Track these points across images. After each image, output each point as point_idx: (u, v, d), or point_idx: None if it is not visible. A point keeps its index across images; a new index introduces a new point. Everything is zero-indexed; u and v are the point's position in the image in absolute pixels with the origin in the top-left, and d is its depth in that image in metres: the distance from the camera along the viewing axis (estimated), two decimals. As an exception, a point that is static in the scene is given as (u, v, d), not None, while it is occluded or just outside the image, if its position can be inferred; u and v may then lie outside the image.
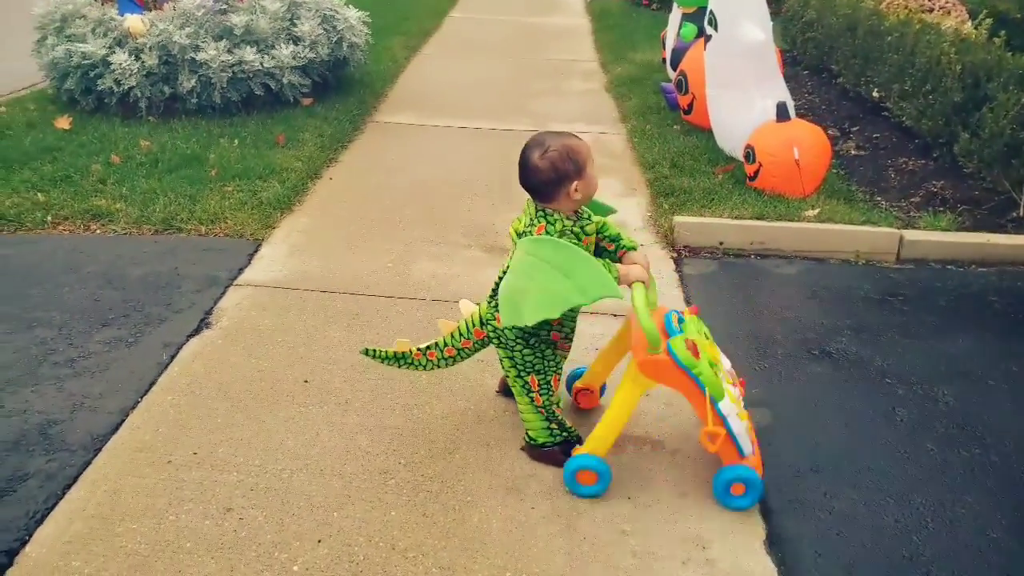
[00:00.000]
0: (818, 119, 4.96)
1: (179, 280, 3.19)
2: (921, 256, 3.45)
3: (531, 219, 2.03)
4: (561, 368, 2.20)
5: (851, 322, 2.98)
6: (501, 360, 2.19)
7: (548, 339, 2.13)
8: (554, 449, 2.20)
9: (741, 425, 2.00)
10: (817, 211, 3.65)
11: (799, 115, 4.54)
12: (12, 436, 2.30)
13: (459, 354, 2.26)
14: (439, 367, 2.30)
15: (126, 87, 4.80)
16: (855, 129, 4.84)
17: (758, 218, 3.60)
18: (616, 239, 2.15)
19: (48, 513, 2.03)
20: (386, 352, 2.27)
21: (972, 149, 3.77)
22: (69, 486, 2.12)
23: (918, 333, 2.91)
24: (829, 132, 4.80)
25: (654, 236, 3.69)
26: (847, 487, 2.17)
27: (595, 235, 2.10)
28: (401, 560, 1.91)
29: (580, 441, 2.21)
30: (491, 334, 2.18)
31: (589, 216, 2.10)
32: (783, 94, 4.10)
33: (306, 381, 2.58)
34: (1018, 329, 2.97)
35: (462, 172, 4.46)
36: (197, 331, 2.85)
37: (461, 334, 2.23)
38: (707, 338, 2.10)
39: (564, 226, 2.00)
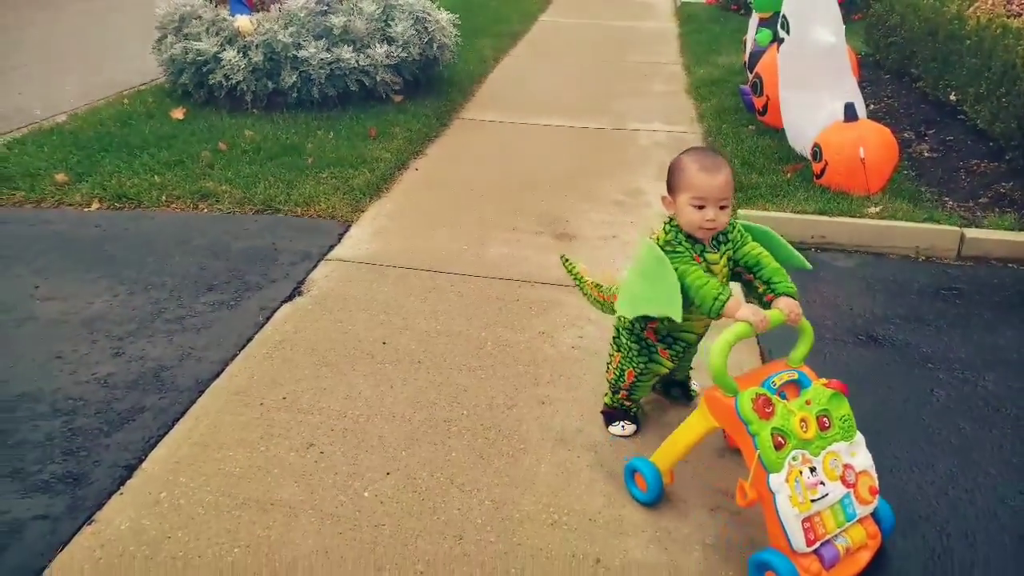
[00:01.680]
0: (895, 122, 4.99)
1: (276, 254, 3.55)
2: (983, 254, 3.49)
3: (663, 224, 2.06)
4: (649, 370, 2.25)
5: (902, 312, 3.07)
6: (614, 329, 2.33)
7: (641, 334, 2.20)
8: (611, 410, 2.41)
9: (794, 513, 1.74)
10: (880, 208, 3.72)
11: (877, 118, 4.59)
12: (131, 377, 2.67)
13: (603, 306, 2.43)
14: (595, 305, 2.49)
15: (234, 81, 5.25)
16: (930, 132, 4.83)
17: (820, 213, 3.70)
18: (769, 282, 1.98)
19: (160, 439, 2.37)
20: (574, 267, 2.55)
21: (1044, 151, 3.77)
22: (177, 419, 2.46)
23: (968, 324, 2.98)
24: (905, 135, 4.82)
25: (717, 229, 3.84)
26: (873, 454, 2.30)
27: (727, 267, 2.04)
28: (458, 493, 2.16)
29: (635, 420, 2.39)
30: (611, 308, 2.34)
31: (728, 244, 2.04)
32: (853, 95, 4.17)
33: (384, 343, 2.87)
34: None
35: (540, 166, 4.71)
36: (290, 298, 3.18)
37: (610, 291, 2.37)
38: (827, 413, 1.84)
39: (677, 240, 1.99)
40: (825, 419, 1.83)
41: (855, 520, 1.83)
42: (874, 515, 1.89)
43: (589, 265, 2.63)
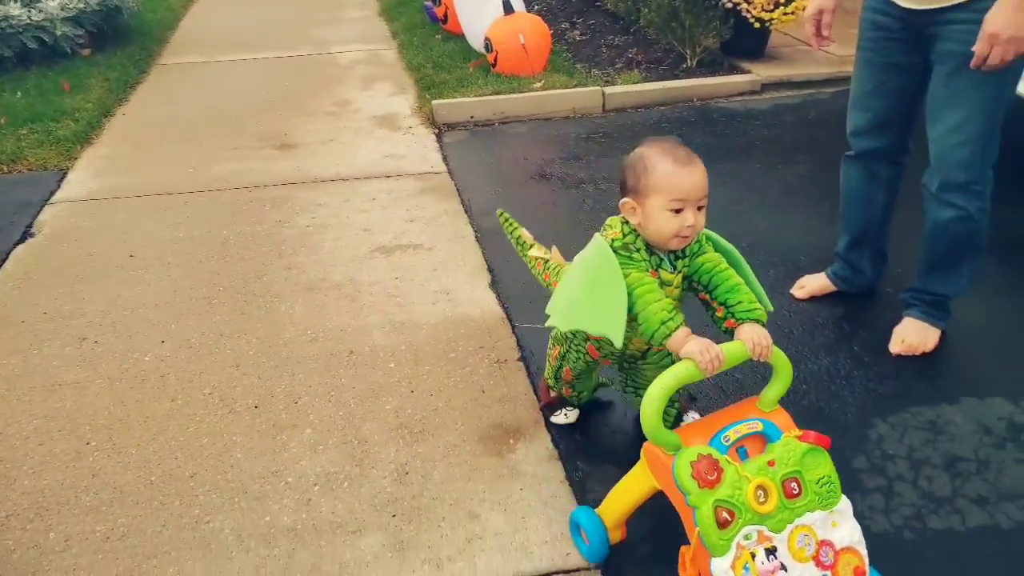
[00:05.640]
0: (552, 16, 5.90)
1: (-8, 209, 3.56)
2: (620, 105, 4.45)
3: (617, 219, 1.67)
4: (589, 370, 1.97)
5: (563, 155, 3.91)
6: None
7: (582, 346, 1.87)
8: (552, 395, 2.11)
9: None
10: (543, 83, 4.54)
11: (540, 14, 5.42)
12: None
13: (548, 284, 2.06)
14: (534, 275, 2.16)
15: None
16: (579, 20, 5.81)
17: (497, 94, 4.44)
18: (728, 304, 1.57)
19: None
20: (514, 226, 2.20)
21: (650, 20, 4.80)
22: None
23: (610, 155, 3.88)
24: (561, 25, 5.74)
25: (420, 120, 4.45)
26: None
27: (681, 287, 1.67)
28: (229, 340, 2.58)
29: (577, 406, 2.12)
30: None
31: (685, 258, 1.65)
32: (510, -7, 4.93)
33: (131, 256, 3.13)
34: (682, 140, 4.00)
35: (250, 95, 4.99)
36: (22, 240, 3.29)
37: (556, 274, 2.02)
38: (799, 475, 1.44)
39: (636, 246, 1.61)
40: (794, 483, 1.43)
41: None
42: None
43: (311, 163, 3.03)
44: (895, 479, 1.93)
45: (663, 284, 1.61)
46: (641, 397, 1.60)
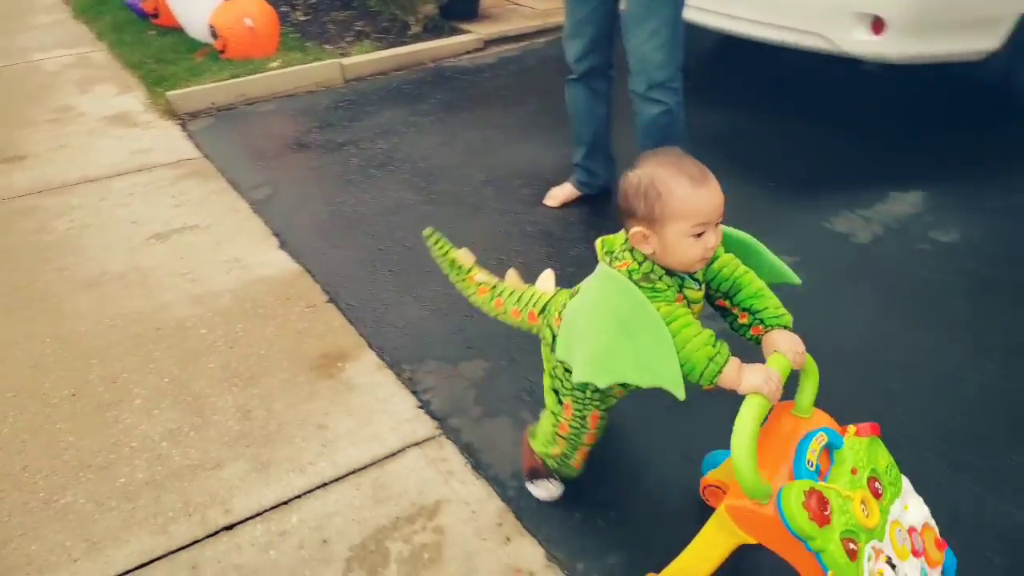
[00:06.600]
0: (269, 1, 5.93)
1: None
2: (358, 75, 4.69)
3: (621, 247, 1.44)
4: (608, 406, 1.62)
5: (317, 124, 4.08)
6: (545, 363, 1.64)
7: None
8: (540, 464, 1.79)
9: None
10: (279, 63, 4.63)
11: None
12: None
13: (502, 314, 1.74)
14: (476, 304, 1.79)
15: None
16: (300, 1, 5.92)
17: (234, 78, 4.46)
18: (753, 310, 1.44)
19: None
20: (447, 248, 1.81)
21: (372, -8, 5.08)
22: None
23: (359, 119, 4.12)
24: (282, 8, 5.78)
25: (157, 114, 4.33)
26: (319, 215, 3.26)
27: (702, 303, 1.48)
28: (19, 348, 2.49)
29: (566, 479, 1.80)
30: (544, 332, 1.63)
31: (703, 278, 1.47)
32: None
33: None
34: (415, 103, 4.32)
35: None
36: None
37: (519, 300, 1.69)
38: (876, 472, 1.35)
39: (655, 274, 1.39)
40: (876, 483, 1.34)
41: None
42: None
43: (50, 171, 2.84)
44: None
45: (690, 304, 1.42)
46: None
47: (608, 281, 1.39)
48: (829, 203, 3.07)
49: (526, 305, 1.66)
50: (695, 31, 3.61)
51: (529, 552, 1.71)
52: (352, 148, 3.79)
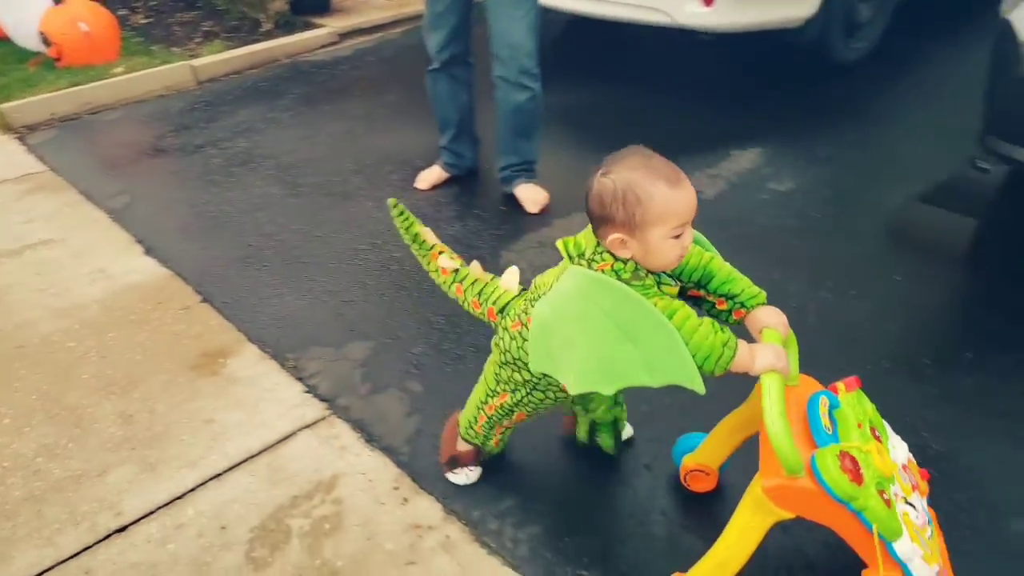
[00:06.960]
0: (111, 4, 5.63)
1: None
2: (212, 75, 4.56)
3: (594, 249, 1.40)
4: (543, 408, 1.65)
5: (173, 128, 3.95)
6: (495, 352, 1.62)
7: (556, 383, 1.54)
8: (460, 454, 1.82)
9: (930, 571, 1.33)
10: (123, 68, 4.44)
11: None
12: None
13: (461, 301, 1.68)
14: (437, 283, 1.72)
15: None
16: (139, 4, 5.68)
17: (75, 86, 4.24)
18: (730, 295, 1.46)
19: None
20: (411, 222, 1.70)
21: (217, -10, 4.95)
22: None
23: (218, 119, 4.03)
24: (119, 12, 5.52)
25: (-9, 130, 4.08)
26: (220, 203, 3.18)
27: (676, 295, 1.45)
28: None
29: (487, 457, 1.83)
30: (499, 331, 1.60)
31: (676, 272, 1.47)
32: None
33: None
34: (273, 100, 4.25)
35: None
36: None
37: (479, 292, 1.64)
38: (871, 422, 1.44)
39: (643, 272, 1.38)
40: (875, 432, 1.42)
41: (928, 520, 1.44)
42: None
43: None
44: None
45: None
46: (582, 407, 1.76)
47: (594, 286, 1.34)
48: (678, 165, 3.28)
49: (487, 300, 1.62)
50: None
51: (427, 508, 1.78)
52: (211, 149, 3.71)
